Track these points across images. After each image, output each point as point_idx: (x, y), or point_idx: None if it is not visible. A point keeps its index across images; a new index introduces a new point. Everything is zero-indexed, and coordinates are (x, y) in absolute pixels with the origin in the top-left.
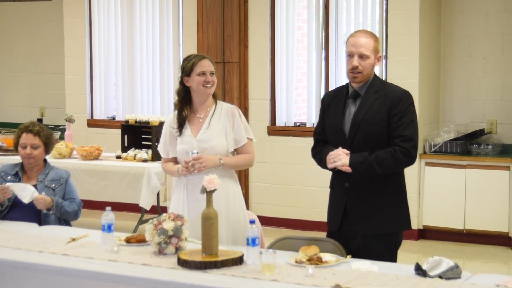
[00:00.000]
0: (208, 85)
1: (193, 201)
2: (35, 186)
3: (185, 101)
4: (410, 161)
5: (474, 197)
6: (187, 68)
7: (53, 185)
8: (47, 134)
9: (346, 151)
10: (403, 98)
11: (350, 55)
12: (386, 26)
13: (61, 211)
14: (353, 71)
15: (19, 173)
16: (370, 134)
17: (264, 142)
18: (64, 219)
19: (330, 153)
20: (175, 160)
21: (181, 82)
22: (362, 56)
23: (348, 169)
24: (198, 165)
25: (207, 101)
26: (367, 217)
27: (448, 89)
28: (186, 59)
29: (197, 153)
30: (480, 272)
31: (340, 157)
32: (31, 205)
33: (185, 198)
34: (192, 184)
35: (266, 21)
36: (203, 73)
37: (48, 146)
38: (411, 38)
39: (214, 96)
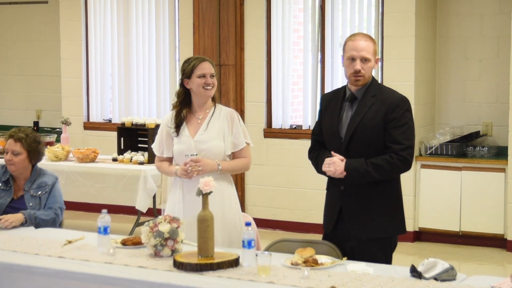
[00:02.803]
0: (208, 87)
1: (189, 203)
2: (22, 196)
3: (184, 103)
4: (407, 167)
5: (470, 199)
6: (188, 70)
7: (39, 193)
8: (31, 142)
9: (341, 157)
10: (400, 104)
11: (351, 59)
12: (382, 29)
13: (37, 221)
14: (355, 74)
15: (10, 181)
16: (366, 138)
17: (260, 144)
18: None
19: (326, 159)
20: (170, 160)
21: (181, 84)
22: (364, 60)
23: (338, 176)
24: (196, 167)
25: (207, 103)
26: (362, 221)
27: (444, 92)
28: (187, 62)
29: (196, 155)
30: (475, 274)
31: (335, 166)
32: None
33: (180, 200)
34: (188, 186)
35: (262, 23)
36: (203, 75)
37: (32, 154)
38: (407, 40)
39: (213, 99)
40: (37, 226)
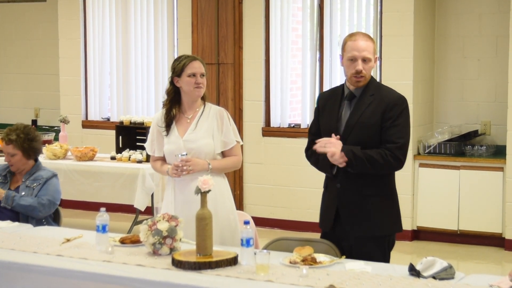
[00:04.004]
0: (198, 87)
1: (181, 202)
2: (18, 187)
3: (174, 101)
4: (399, 166)
5: (468, 198)
6: (178, 68)
7: (33, 185)
8: (23, 141)
9: (336, 137)
10: (398, 103)
11: (352, 59)
12: (380, 28)
13: (13, 204)
14: (357, 75)
15: (8, 176)
16: (363, 137)
17: (259, 143)
18: (45, 219)
19: (322, 139)
20: (162, 159)
21: (171, 82)
22: (365, 60)
23: (338, 160)
24: (186, 167)
25: (196, 102)
26: (359, 220)
27: (442, 91)
28: (177, 60)
29: (186, 155)
30: (473, 272)
31: (331, 145)
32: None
33: (172, 200)
34: (179, 186)
35: (261, 22)
36: (194, 75)
37: (26, 152)
38: (405, 39)
39: (203, 98)
40: (14, 209)
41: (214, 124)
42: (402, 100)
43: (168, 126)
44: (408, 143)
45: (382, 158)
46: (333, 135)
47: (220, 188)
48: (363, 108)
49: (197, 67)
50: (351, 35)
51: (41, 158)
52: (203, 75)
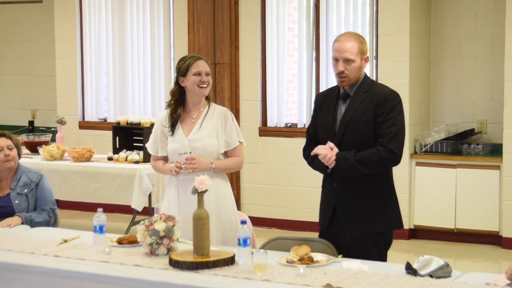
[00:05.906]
0: (204, 85)
1: (184, 201)
2: (8, 195)
3: (179, 102)
4: (395, 160)
5: (465, 197)
6: (183, 68)
7: (25, 191)
8: (15, 140)
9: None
10: (389, 98)
11: (335, 60)
12: (376, 27)
13: (32, 224)
14: (339, 75)
15: None
16: (357, 134)
17: (255, 143)
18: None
19: (319, 146)
20: (165, 159)
21: (177, 83)
22: (347, 61)
23: (328, 162)
24: (191, 165)
25: (201, 102)
26: (356, 217)
27: (439, 89)
28: (182, 60)
29: (190, 153)
30: (470, 271)
31: (329, 150)
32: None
33: (176, 198)
34: (183, 185)
35: (257, 22)
36: (199, 73)
37: (19, 149)
38: (401, 38)
39: (208, 98)
40: (32, 227)
41: (218, 124)
42: (393, 95)
43: (173, 126)
44: (403, 137)
45: (375, 156)
46: (328, 142)
47: (223, 189)
48: (356, 105)
49: (202, 66)
50: (338, 36)
51: (38, 159)
52: (208, 74)
